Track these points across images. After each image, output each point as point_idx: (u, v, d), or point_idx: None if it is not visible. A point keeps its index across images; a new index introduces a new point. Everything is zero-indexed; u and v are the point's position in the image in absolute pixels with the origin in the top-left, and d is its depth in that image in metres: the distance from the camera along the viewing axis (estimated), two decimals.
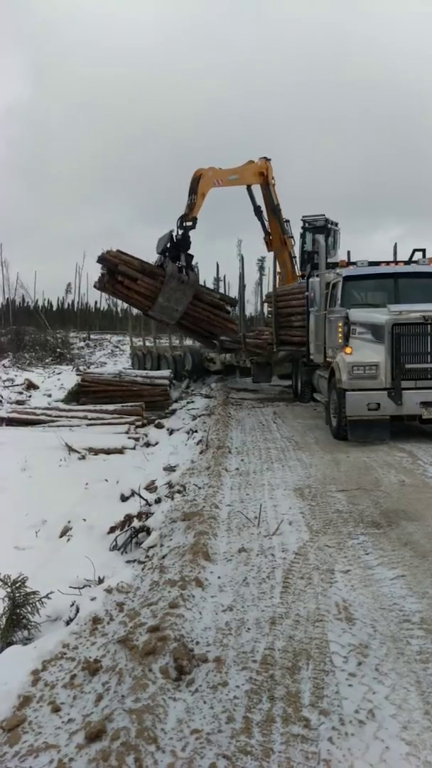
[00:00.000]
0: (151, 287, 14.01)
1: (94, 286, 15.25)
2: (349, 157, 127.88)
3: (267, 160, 16.11)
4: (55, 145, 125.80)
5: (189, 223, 13.70)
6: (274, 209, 16.37)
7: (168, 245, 13.93)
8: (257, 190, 16.30)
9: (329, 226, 17.44)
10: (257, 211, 16.49)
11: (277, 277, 16.78)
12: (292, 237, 17.18)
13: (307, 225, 17.45)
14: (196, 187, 13.70)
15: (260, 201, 16.46)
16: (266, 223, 16.63)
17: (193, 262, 14.33)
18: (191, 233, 13.99)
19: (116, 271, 13.98)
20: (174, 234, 13.85)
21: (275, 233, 16.62)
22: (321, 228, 16.93)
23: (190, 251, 14.17)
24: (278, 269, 16.61)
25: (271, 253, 16.36)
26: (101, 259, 14.38)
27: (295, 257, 17.20)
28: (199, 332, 15.27)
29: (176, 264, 13.98)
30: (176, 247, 13.94)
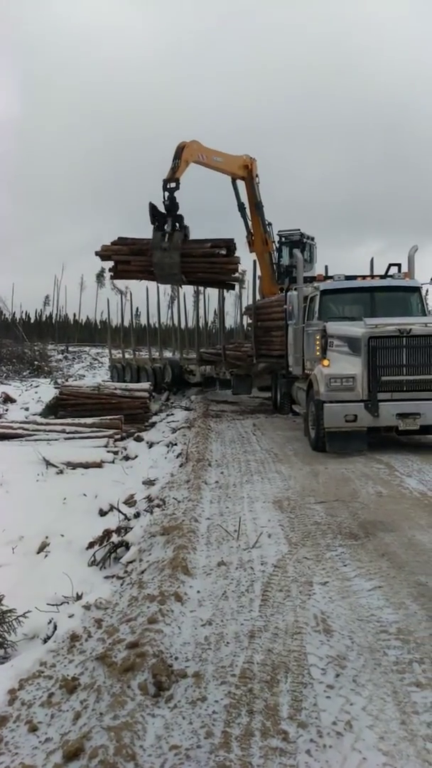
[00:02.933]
0: (146, 262, 14.67)
1: (111, 278, 16.42)
2: (336, 171, 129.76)
3: (252, 158, 16.51)
4: (43, 158, 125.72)
5: (173, 185, 14.11)
6: (257, 205, 16.69)
7: (154, 215, 14.33)
8: (242, 187, 16.67)
9: (305, 240, 17.72)
10: (241, 207, 16.79)
11: (258, 281, 16.98)
12: (274, 241, 17.40)
13: (283, 239, 17.70)
14: (180, 154, 14.16)
15: (244, 199, 16.76)
16: (249, 222, 16.93)
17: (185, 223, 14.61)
18: (176, 194, 14.34)
19: (113, 260, 15.12)
20: (163, 201, 14.23)
21: (257, 232, 16.88)
22: (296, 242, 17.19)
23: (179, 212, 14.45)
24: (258, 272, 16.81)
25: (250, 268, 16.45)
26: (99, 255, 15.45)
27: (275, 263, 17.37)
28: (208, 282, 15.61)
29: (162, 232, 14.35)
30: (163, 213, 14.32)
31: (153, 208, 14.25)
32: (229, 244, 14.25)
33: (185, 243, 14.29)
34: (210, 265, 14.53)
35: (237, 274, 15.06)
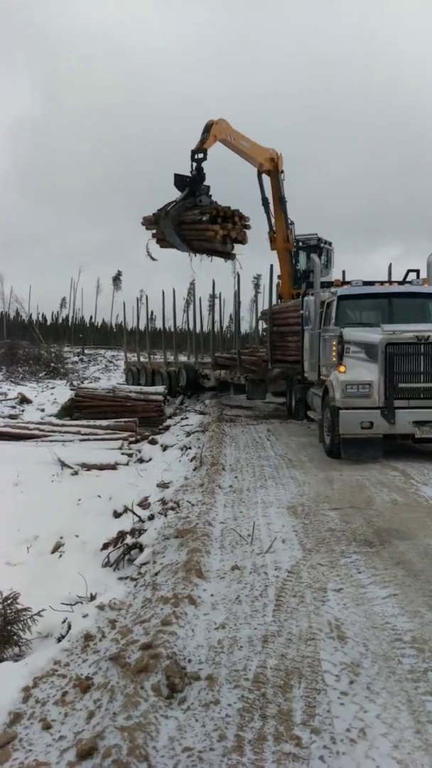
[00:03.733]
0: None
1: (156, 244, 16.55)
2: (354, 174, 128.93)
3: (279, 153, 16.68)
4: (62, 159, 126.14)
5: (200, 155, 14.59)
6: (281, 200, 16.75)
7: (181, 184, 14.80)
8: (266, 182, 16.74)
9: (322, 245, 17.67)
10: (265, 202, 16.88)
11: (278, 281, 17.01)
12: (296, 242, 17.41)
13: (300, 244, 17.65)
14: (209, 129, 14.59)
15: (268, 194, 16.77)
16: (272, 218, 16.97)
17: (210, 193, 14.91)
18: (203, 165, 14.84)
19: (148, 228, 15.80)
20: (191, 171, 14.73)
21: (280, 228, 16.89)
22: (314, 247, 17.15)
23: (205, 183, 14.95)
24: (278, 272, 16.91)
25: (265, 273, 16.48)
26: (142, 225, 16.10)
27: (296, 265, 17.35)
28: (204, 250, 15.67)
29: (169, 202, 14.96)
30: (187, 183, 14.76)
31: (177, 179, 14.65)
32: (214, 211, 14.31)
33: (187, 210, 14.55)
34: (197, 232, 14.74)
35: (224, 244, 14.88)
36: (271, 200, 16.74)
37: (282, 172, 16.64)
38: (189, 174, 14.59)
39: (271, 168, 16.41)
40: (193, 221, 14.56)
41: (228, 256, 15.74)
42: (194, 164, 14.55)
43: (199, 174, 14.59)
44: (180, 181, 14.67)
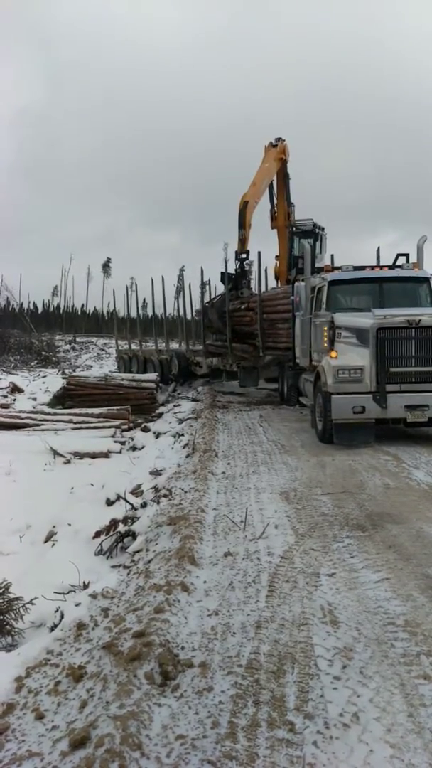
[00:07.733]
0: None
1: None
2: (354, 162, 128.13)
3: (282, 140, 17.24)
4: (61, 150, 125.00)
5: (243, 256, 15.95)
6: (285, 176, 17.55)
7: (226, 280, 16.26)
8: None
9: (317, 230, 17.60)
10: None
11: (275, 263, 17.70)
12: (292, 227, 17.74)
13: (294, 229, 17.58)
14: (245, 219, 15.64)
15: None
16: (275, 197, 17.60)
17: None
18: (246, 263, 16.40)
19: None
20: (235, 269, 16.30)
21: (281, 206, 17.46)
22: (309, 232, 17.10)
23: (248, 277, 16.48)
24: (276, 252, 17.72)
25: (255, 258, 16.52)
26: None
27: (291, 250, 17.48)
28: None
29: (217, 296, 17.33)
30: (236, 279, 16.24)
31: (223, 276, 16.31)
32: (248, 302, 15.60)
33: (230, 301, 16.16)
34: (238, 318, 15.90)
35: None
36: (275, 178, 17.34)
37: (288, 157, 17.49)
38: (235, 270, 16.12)
39: (281, 165, 17.25)
40: (235, 309, 15.96)
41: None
42: (238, 263, 16.07)
43: (242, 271, 16.14)
44: (226, 278, 16.26)
